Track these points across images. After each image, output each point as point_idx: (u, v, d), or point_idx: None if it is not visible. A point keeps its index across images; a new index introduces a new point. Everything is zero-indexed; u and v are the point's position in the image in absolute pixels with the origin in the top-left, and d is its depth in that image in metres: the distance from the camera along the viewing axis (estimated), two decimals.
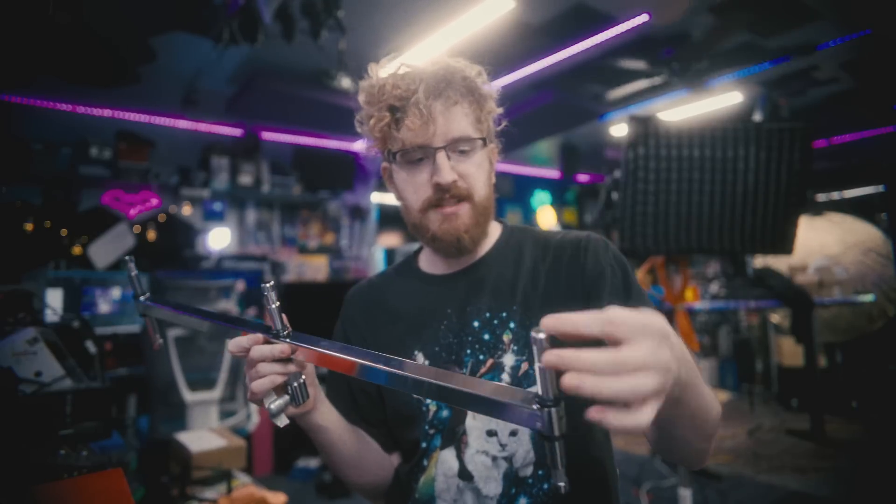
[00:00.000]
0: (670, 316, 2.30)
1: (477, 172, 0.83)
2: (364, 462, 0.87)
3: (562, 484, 0.45)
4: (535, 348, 0.42)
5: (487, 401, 0.49)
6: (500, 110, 0.88)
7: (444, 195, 0.81)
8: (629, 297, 0.80)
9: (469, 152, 0.82)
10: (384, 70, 0.83)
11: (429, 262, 0.96)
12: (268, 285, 0.63)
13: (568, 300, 0.83)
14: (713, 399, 0.65)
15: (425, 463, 0.84)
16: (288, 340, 0.66)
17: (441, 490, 0.82)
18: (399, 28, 3.20)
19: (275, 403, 0.67)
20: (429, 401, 0.84)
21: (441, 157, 0.79)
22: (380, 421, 0.90)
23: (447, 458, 0.82)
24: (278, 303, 0.65)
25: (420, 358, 0.86)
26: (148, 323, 0.82)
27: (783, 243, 2.02)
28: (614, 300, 0.77)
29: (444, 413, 0.84)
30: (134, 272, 0.78)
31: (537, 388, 0.44)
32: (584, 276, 0.82)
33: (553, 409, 0.43)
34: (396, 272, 1.00)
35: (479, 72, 0.84)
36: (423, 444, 0.84)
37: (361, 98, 0.84)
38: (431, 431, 0.84)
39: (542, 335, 0.41)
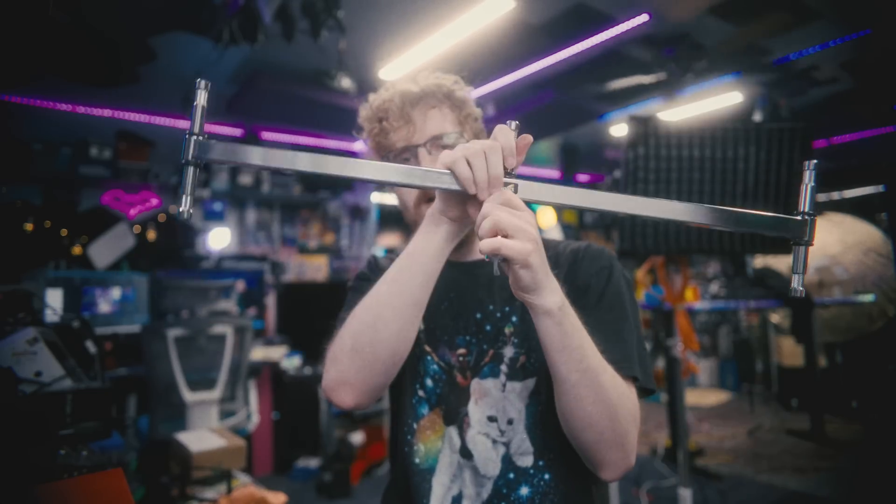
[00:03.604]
0: (670, 316, 2.30)
1: None
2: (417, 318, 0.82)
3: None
4: None
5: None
6: (480, 112, 0.96)
7: None
8: (599, 303, 0.83)
9: (451, 147, 0.84)
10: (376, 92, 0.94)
11: None
12: None
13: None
14: (616, 379, 0.72)
15: (414, 426, 0.88)
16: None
17: (444, 464, 0.85)
18: (399, 28, 3.20)
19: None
20: (425, 348, 0.89)
21: (422, 152, 0.87)
22: None
23: (451, 435, 0.86)
24: None
25: None
26: (190, 175, 0.61)
27: (783, 243, 2.02)
28: (589, 307, 0.80)
29: (428, 382, 0.88)
30: (202, 101, 0.60)
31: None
32: (577, 284, 0.86)
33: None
34: None
35: (456, 80, 0.93)
36: (413, 400, 0.89)
37: (360, 118, 0.95)
38: (420, 393, 0.89)
39: None
